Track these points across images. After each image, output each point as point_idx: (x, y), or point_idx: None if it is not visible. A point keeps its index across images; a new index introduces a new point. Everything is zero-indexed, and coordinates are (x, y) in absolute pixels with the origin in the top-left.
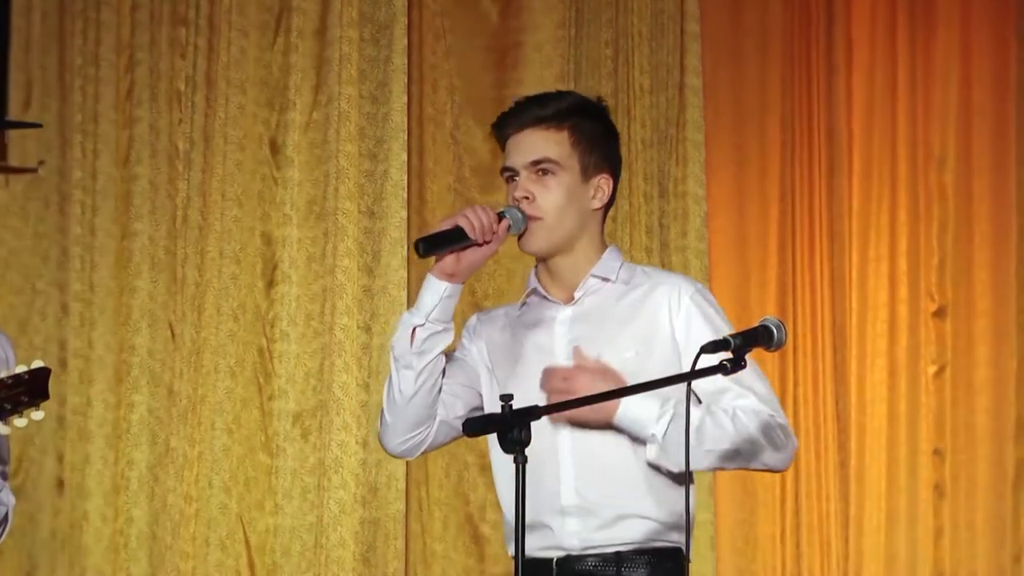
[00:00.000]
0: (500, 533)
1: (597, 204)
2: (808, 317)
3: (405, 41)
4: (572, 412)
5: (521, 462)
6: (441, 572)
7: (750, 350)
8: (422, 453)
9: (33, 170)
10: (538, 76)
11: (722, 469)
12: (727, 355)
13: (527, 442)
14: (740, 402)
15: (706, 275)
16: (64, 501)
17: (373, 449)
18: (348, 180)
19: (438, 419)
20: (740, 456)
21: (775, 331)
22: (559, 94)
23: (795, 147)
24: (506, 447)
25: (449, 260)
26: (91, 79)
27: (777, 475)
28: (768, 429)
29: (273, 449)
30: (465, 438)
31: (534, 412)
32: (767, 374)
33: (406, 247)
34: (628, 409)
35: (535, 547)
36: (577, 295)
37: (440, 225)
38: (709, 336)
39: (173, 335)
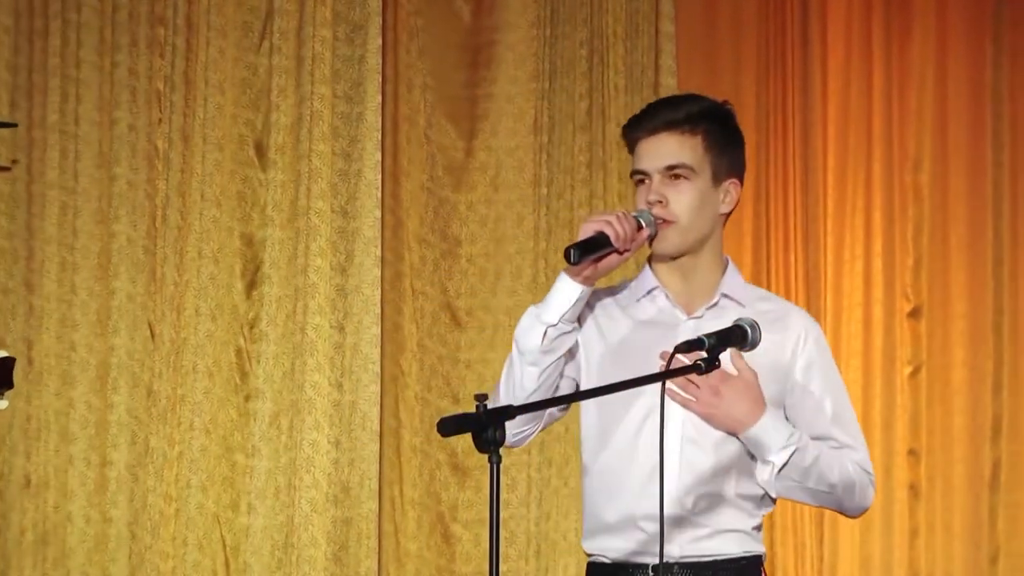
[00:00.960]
0: (472, 532)
1: (726, 208)
2: None
3: (379, 41)
4: (706, 416)
5: (495, 462)
6: (414, 571)
7: (724, 350)
8: (529, 440)
9: (7, 169)
10: (512, 75)
11: (807, 504)
12: (702, 354)
13: (501, 442)
14: (845, 452)
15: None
16: (40, 501)
17: (346, 448)
18: (321, 180)
19: (547, 410)
20: (831, 499)
21: (749, 331)
22: (690, 97)
23: (770, 148)
24: (480, 447)
25: (588, 264)
26: (71, 80)
27: None
28: (863, 487)
29: (249, 449)
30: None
31: (509, 412)
32: None
33: (379, 246)
34: (761, 429)
35: (621, 549)
36: (701, 309)
37: (583, 230)
38: (827, 384)
39: (153, 335)
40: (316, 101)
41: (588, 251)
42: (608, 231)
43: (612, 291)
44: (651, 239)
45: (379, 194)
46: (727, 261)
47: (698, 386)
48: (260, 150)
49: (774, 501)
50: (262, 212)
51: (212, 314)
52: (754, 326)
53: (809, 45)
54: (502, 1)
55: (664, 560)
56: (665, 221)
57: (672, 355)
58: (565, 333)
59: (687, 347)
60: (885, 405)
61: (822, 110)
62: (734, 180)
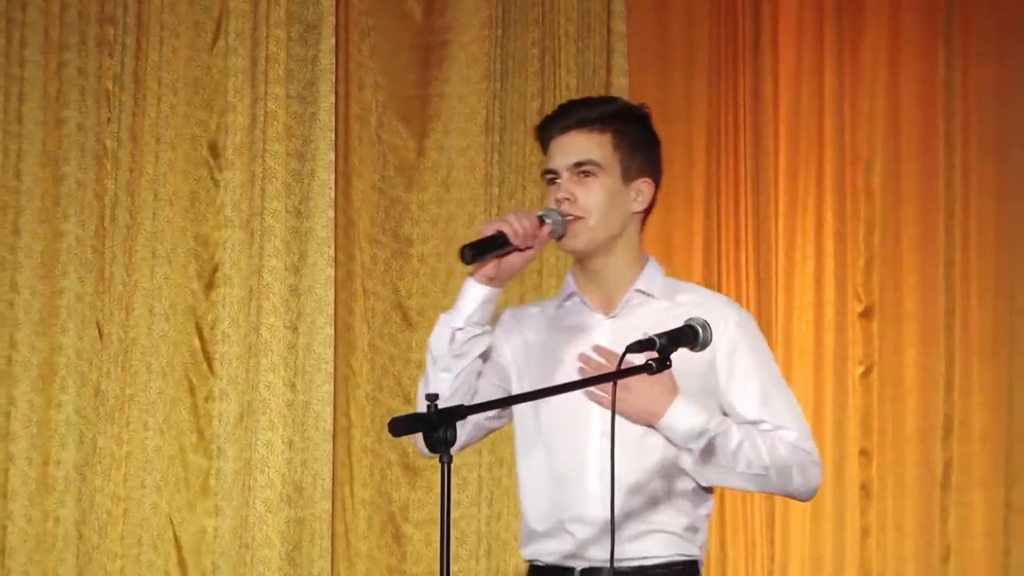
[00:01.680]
0: (422, 532)
1: (638, 207)
2: None
3: (332, 40)
4: (618, 410)
5: (446, 462)
6: (365, 571)
7: (675, 350)
8: (459, 450)
9: None
10: (464, 75)
11: (748, 491)
12: (652, 355)
13: (452, 442)
14: (779, 433)
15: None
16: None
17: (299, 449)
18: (275, 180)
19: (471, 419)
20: (769, 483)
21: (700, 331)
22: (604, 99)
23: (721, 148)
24: (432, 447)
25: (490, 264)
26: (14, 79)
27: None
28: (803, 466)
29: (211, 451)
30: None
31: (460, 412)
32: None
33: (333, 247)
34: (675, 417)
35: (554, 553)
36: (617, 307)
37: (483, 230)
38: (752, 366)
39: (101, 335)
40: (270, 101)
41: (483, 251)
42: (505, 229)
43: (539, 304)
44: (559, 237)
45: (332, 194)
46: (647, 258)
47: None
48: (214, 150)
49: (709, 491)
50: (218, 213)
51: (166, 314)
52: (705, 326)
53: (761, 46)
54: (454, 1)
55: (591, 564)
56: (575, 218)
57: (623, 355)
58: (475, 336)
59: (638, 347)
60: (837, 405)
61: (773, 111)
62: (647, 179)
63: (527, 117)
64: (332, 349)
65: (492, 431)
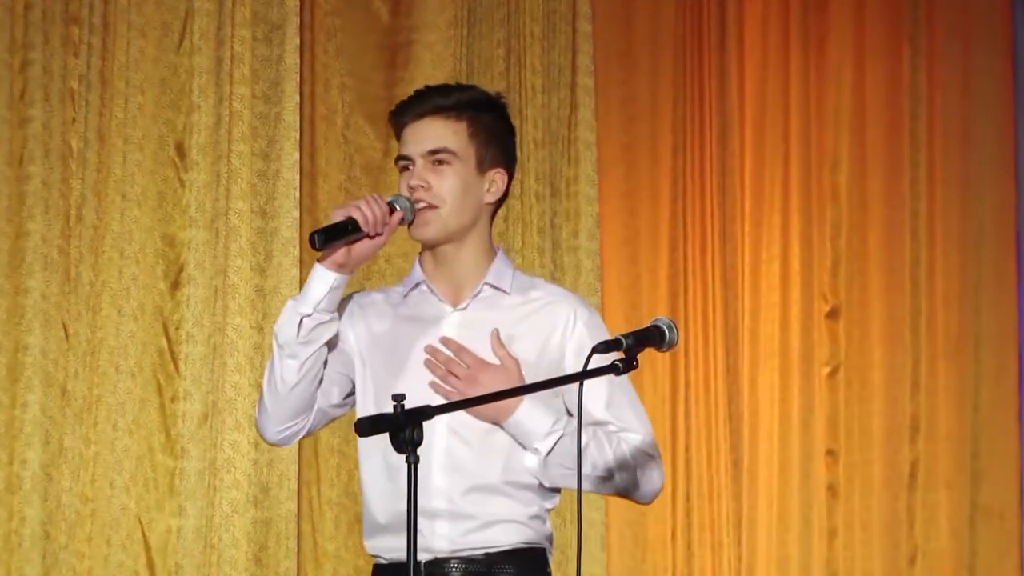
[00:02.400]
0: None
1: (491, 198)
2: (700, 318)
3: (297, 40)
4: (480, 387)
5: (413, 462)
6: (332, 571)
7: (642, 350)
8: (298, 440)
9: None
10: (429, 75)
11: (591, 492)
12: (619, 355)
13: (419, 442)
14: (624, 435)
15: (598, 275)
16: None
17: (265, 449)
18: (241, 180)
19: (316, 407)
20: (613, 485)
21: (667, 331)
22: (460, 86)
23: (687, 148)
24: (398, 447)
25: (340, 251)
26: None
27: (668, 475)
28: (647, 470)
29: (176, 451)
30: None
31: (427, 412)
32: (658, 374)
33: (298, 247)
34: (523, 417)
35: (399, 548)
36: (467, 300)
37: (332, 216)
38: (597, 395)
39: (67, 335)
40: (236, 101)
41: (333, 237)
42: (356, 215)
43: (384, 291)
44: (410, 224)
45: (297, 194)
46: (497, 251)
47: (458, 376)
48: (180, 150)
49: (557, 490)
50: (184, 213)
51: (134, 315)
52: (671, 326)
53: (726, 46)
54: (420, 1)
55: (436, 556)
56: (428, 206)
57: (589, 355)
58: (322, 323)
59: (605, 348)
60: (803, 405)
61: (739, 111)
62: (500, 170)
63: None
64: None
65: (335, 418)
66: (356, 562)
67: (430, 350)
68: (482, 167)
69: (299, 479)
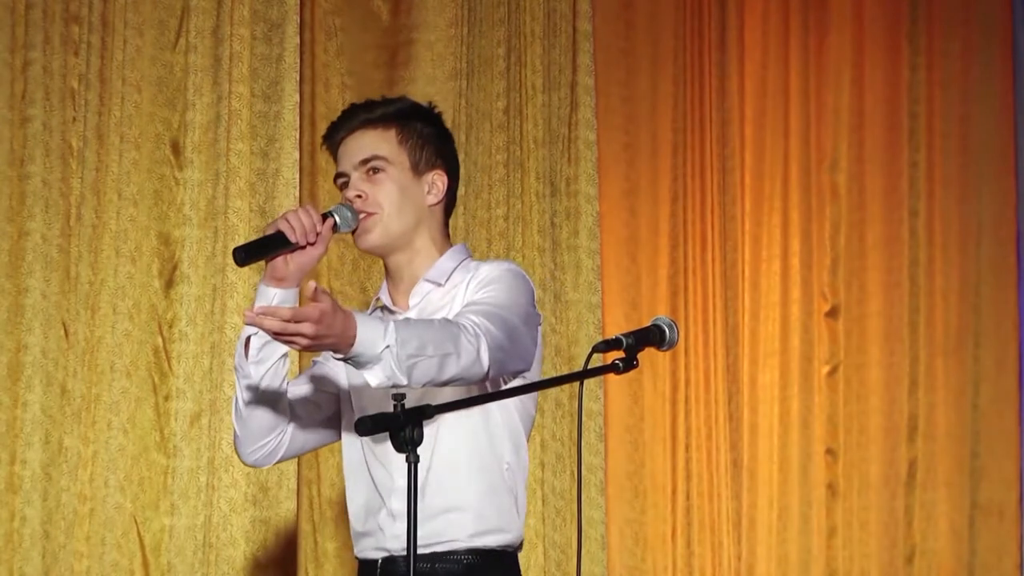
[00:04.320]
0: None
1: (433, 200)
2: (700, 317)
3: (297, 39)
4: (313, 345)
5: (413, 461)
6: (332, 571)
7: (642, 349)
8: (279, 461)
9: None
10: (429, 74)
11: (429, 383)
12: (619, 355)
13: (419, 441)
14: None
15: (598, 274)
16: None
17: None
18: (239, 178)
19: (291, 426)
20: (455, 365)
21: (667, 330)
22: (386, 100)
23: (687, 147)
24: (398, 446)
25: (278, 264)
26: None
27: (668, 474)
28: (455, 333)
29: (170, 449)
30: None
31: (426, 411)
32: (658, 373)
33: None
34: (360, 340)
35: (364, 547)
36: (412, 302)
37: (265, 230)
38: (474, 289)
39: (67, 334)
40: (234, 100)
41: (257, 252)
42: (283, 227)
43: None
44: (353, 231)
45: (297, 193)
46: (453, 247)
47: (303, 333)
48: (177, 149)
49: (520, 482)
50: (179, 211)
51: (130, 313)
52: (671, 325)
53: (726, 45)
54: (420, 0)
55: (391, 554)
56: (368, 214)
57: (590, 355)
58: (270, 341)
59: (605, 347)
60: (803, 404)
61: (739, 110)
62: (439, 171)
63: (493, 116)
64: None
65: (331, 441)
66: (356, 562)
67: (249, 318)
68: (418, 170)
69: (299, 478)
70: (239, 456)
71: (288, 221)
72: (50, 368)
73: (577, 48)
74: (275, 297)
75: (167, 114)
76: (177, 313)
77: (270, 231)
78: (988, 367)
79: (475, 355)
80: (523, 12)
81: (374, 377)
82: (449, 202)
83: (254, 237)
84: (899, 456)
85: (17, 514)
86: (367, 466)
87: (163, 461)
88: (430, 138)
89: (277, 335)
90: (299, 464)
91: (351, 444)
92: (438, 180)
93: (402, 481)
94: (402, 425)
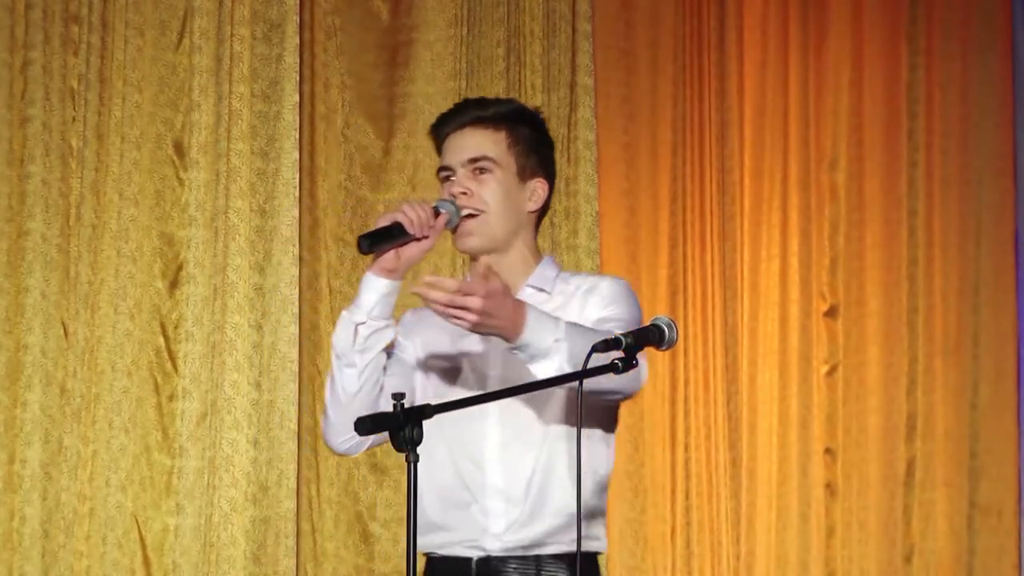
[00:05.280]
0: (390, 531)
1: (533, 207)
2: (699, 316)
3: (297, 39)
4: (491, 313)
5: (413, 461)
6: (332, 571)
7: (641, 349)
8: (366, 450)
9: None
10: (429, 74)
11: (590, 389)
12: (618, 354)
13: (419, 441)
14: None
15: (597, 274)
16: None
17: (264, 447)
18: (240, 178)
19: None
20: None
21: (666, 330)
22: (498, 100)
23: (687, 147)
24: (398, 446)
25: (388, 256)
26: None
27: (668, 474)
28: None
29: (175, 449)
30: None
31: (426, 411)
32: (658, 373)
33: (297, 245)
34: (531, 328)
35: (451, 543)
36: None
37: (378, 222)
38: (599, 305)
39: (66, 334)
40: (235, 100)
41: (380, 240)
42: (401, 218)
43: None
44: (454, 230)
45: (297, 193)
46: (544, 256)
47: (470, 308)
48: (179, 149)
49: (604, 486)
50: (182, 211)
51: (131, 313)
52: (671, 325)
53: (726, 45)
54: (420, 0)
55: (488, 554)
56: (471, 215)
57: (589, 354)
58: (377, 330)
59: (604, 346)
60: (801, 404)
61: (739, 109)
62: (541, 179)
63: None
64: (297, 348)
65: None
66: (356, 560)
67: (420, 290)
68: (523, 176)
69: (298, 478)
70: (328, 444)
71: (406, 214)
72: (50, 368)
73: (577, 48)
74: (384, 287)
75: (169, 114)
76: (183, 314)
77: (385, 222)
78: (987, 367)
79: (636, 372)
80: (523, 12)
81: (543, 370)
82: (543, 211)
83: (374, 227)
84: (898, 456)
85: (17, 513)
86: (452, 458)
87: (166, 461)
88: (537, 145)
89: (445, 307)
90: (299, 464)
91: (435, 433)
92: (539, 188)
93: (497, 479)
94: (402, 425)
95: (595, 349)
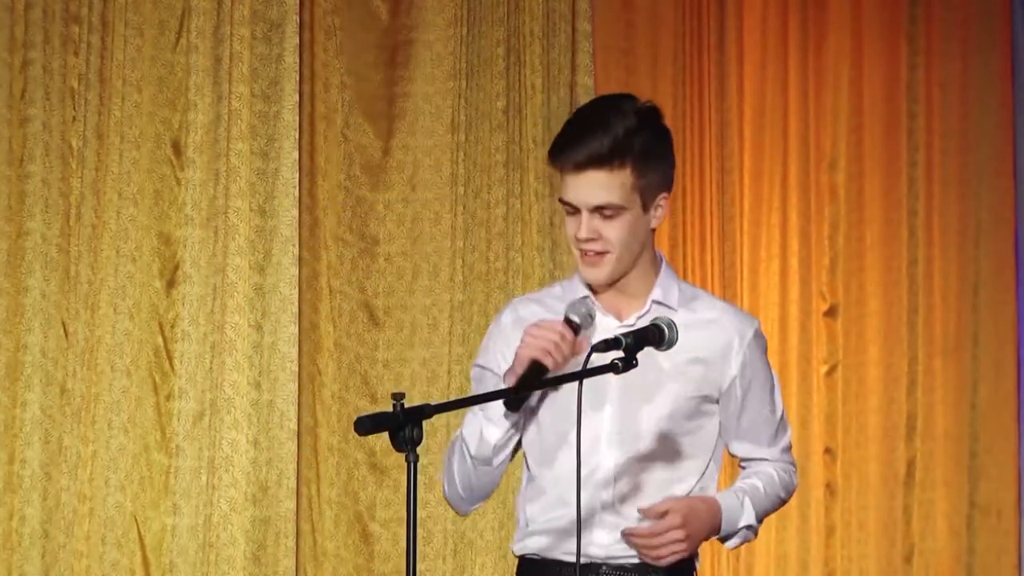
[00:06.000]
0: (389, 531)
1: (657, 223)
2: None
3: (296, 39)
4: (695, 533)
5: (413, 461)
6: (332, 571)
7: (641, 349)
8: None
9: None
10: (429, 74)
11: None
12: (618, 354)
13: (419, 441)
14: (780, 465)
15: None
16: None
17: (264, 447)
18: (239, 178)
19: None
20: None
21: (666, 330)
22: (612, 113)
23: (686, 147)
24: (398, 446)
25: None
26: None
27: None
28: (788, 495)
29: (172, 449)
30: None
31: (425, 411)
32: None
33: (297, 245)
34: (726, 514)
35: (553, 547)
36: (632, 318)
37: (518, 360)
38: (764, 400)
39: (66, 334)
40: (234, 100)
41: (528, 387)
42: (547, 361)
43: (540, 297)
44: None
45: (296, 193)
46: (661, 260)
47: (665, 542)
48: (177, 148)
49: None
50: (180, 211)
51: (130, 313)
52: (671, 325)
53: (726, 45)
54: (419, 0)
55: (591, 560)
56: (599, 254)
57: (589, 354)
58: (512, 436)
59: (604, 346)
60: (801, 404)
61: (738, 109)
62: (665, 194)
63: (492, 116)
64: (297, 348)
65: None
66: (356, 560)
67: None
68: (647, 203)
69: (298, 478)
70: (456, 511)
71: (551, 355)
72: (50, 368)
73: (577, 48)
74: (515, 416)
75: (168, 114)
76: (179, 313)
77: (525, 363)
78: (987, 367)
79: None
80: (522, 12)
81: (732, 544)
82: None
83: (517, 369)
84: (897, 456)
85: (17, 513)
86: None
87: (164, 460)
88: (661, 157)
89: (656, 555)
90: (299, 464)
91: (542, 444)
92: (662, 202)
93: (608, 488)
94: (401, 425)
95: (595, 349)
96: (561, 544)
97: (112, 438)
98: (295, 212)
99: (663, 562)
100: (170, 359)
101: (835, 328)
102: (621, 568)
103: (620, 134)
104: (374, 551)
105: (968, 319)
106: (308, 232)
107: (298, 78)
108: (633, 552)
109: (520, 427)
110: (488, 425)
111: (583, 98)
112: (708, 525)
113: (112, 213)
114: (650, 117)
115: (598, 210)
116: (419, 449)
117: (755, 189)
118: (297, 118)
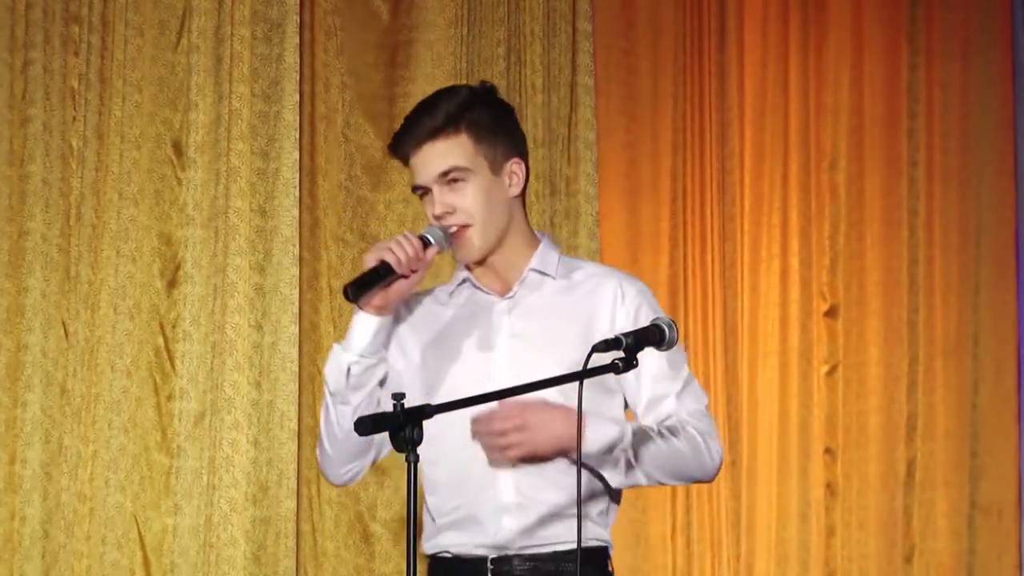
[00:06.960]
0: (390, 531)
1: (515, 191)
2: (699, 316)
3: (297, 39)
4: (530, 451)
5: (413, 461)
6: (332, 571)
7: (641, 349)
8: (361, 476)
9: None
10: (429, 74)
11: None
12: (619, 354)
13: (419, 441)
14: (683, 419)
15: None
16: None
17: (264, 448)
18: (240, 178)
19: (377, 440)
20: (670, 476)
21: (667, 330)
22: (442, 95)
23: (687, 147)
24: (398, 446)
25: (377, 296)
26: None
27: None
28: (698, 453)
29: (174, 449)
30: None
31: (425, 411)
32: None
33: (298, 245)
34: (589, 439)
35: (462, 543)
36: (515, 288)
37: (365, 262)
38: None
39: (67, 334)
40: (235, 100)
41: (368, 285)
42: (388, 258)
43: (429, 291)
44: (451, 247)
45: (297, 193)
46: (542, 237)
47: (503, 432)
48: (178, 148)
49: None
50: (181, 211)
51: (130, 313)
52: (671, 325)
53: (726, 44)
54: (420, 0)
55: (503, 552)
56: (460, 227)
57: (589, 354)
58: (370, 367)
59: (604, 346)
60: (802, 404)
61: (739, 109)
62: (515, 159)
63: None
64: (297, 348)
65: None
66: (356, 561)
67: (475, 427)
68: (496, 167)
69: (298, 478)
70: (326, 477)
71: (393, 252)
72: (50, 368)
73: (577, 48)
74: (375, 324)
75: (168, 114)
76: (181, 313)
77: (373, 262)
78: (987, 367)
79: (718, 464)
80: (523, 12)
81: (613, 480)
82: (525, 184)
83: (360, 273)
84: (898, 456)
85: (17, 514)
86: (462, 455)
87: (165, 461)
88: (500, 127)
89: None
90: (299, 464)
91: (446, 437)
92: (516, 168)
93: (507, 474)
94: (402, 425)
95: (595, 349)
96: (470, 537)
97: (112, 438)
98: (296, 212)
99: (507, 455)
100: (171, 359)
101: (835, 328)
102: (534, 558)
103: (452, 108)
104: (374, 551)
105: (969, 319)
106: (309, 232)
107: (299, 78)
108: (547, 541)
109: (380, 361)
110: (343, 353)
111: (583, 98)
112: (561, 430)
113: (113, 213)
114: (483, 94)
115: (445, 179)
116: (419, 449)
117: (755, 189)
118: (298, 118)
